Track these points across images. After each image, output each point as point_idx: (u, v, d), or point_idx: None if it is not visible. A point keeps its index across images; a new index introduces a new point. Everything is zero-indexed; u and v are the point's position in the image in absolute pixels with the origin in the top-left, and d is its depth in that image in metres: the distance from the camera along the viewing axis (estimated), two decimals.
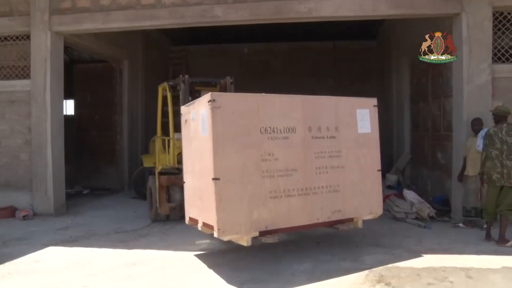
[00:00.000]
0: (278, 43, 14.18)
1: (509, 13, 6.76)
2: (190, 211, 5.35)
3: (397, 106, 11.30)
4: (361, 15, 7.29)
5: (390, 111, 11.79)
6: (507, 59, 6.80)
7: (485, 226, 6.03)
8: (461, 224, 6.60)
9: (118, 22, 7.82)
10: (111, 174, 11.37)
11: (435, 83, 8.39)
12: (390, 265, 4.79)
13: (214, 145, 4.43)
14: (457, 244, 5.65)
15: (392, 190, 8.62)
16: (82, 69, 12.00)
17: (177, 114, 7.27)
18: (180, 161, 7.12)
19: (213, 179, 4.42)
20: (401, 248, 5.53)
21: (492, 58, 6.75)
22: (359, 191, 5.44)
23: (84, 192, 10.71)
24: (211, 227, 4.60)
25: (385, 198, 7.92)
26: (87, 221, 7.47)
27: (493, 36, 6.75)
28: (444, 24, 7.33)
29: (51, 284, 4.47)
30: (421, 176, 9.50)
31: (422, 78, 9.29)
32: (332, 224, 5.31)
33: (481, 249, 5.38)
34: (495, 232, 5.76)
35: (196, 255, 5.39)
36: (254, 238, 4.65)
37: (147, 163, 9.17)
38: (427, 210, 6.95)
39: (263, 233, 4.67)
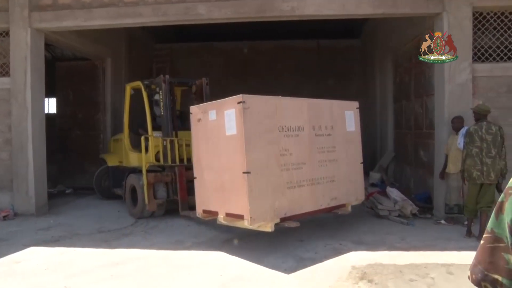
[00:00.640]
0: (263, 41, 14.17)
1: (488, 13, 6.87)
2: (205, 204, 5.78)
3: (381, 105, 11.40)
4: (344, 13, 7.32)
5: (374, 110, 11.89)
6: (487, 59, 6.91)
7: (466, 222, 6.13)
8: (443, 221, 6.70)
9: (100, 20, 7.71)
10: (94, 173, 11.24)
11: (417, 82, 8.48)
12: (373, 262, 4.83)
13: (246, 142, 4.95)
14: (439, 241, 5.73)
15: (375, 187, 8.69)
16: (64, 67, 11.82)
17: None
18: (158, 159, 7.18)
19: (244, 172, 4.93)
20: (384, 245, 5.59)
21: (473, 58, 6.85)
22: (349, 180, 6.37)
23: (67, 192, 10.56)
24: (237, 216, 5.12)
25: (369, 195, 7.99)
26: (70, 221, 7.36)
27: (473, 36, 6.86)
28: (426, 23, 7.42)
29: (32, 285, 4.39)
30: (404, 173, 9.61)
31: (405, 77, 9.38)
32: (330, 209, 6.11)
33: (462, 246, 5.46)
34: (475, 228, 5.86)
35: (180, 254, 5.36)
36: (276, 225, 5.16)
37: (111, 162, 9.10)
38: (410, 207, 7.03)
39: (282, 219, 5.26)
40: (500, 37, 6.89)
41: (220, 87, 13.59)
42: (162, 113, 7.44)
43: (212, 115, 5.52)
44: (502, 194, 1.07)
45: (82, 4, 7.70)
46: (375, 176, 9.44)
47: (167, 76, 7.49)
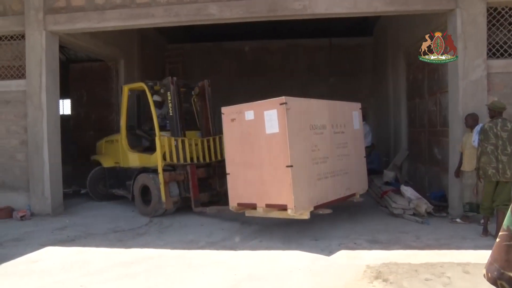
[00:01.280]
0: (274, 40, 14.16)
1: (503, 9, 6.76)
2: (240, 198, 6.24)
3: (394, 103, 11.30)
4: (356, 11, 7.28)
5: (387, 108, 11.79)
6: (502, 55, 6.81)
7: (482, 221, 6.05)
8: (458, 220, 6.62)
9: (113, 21, 7.79)
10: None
11: (431, 79, 8.40)
12: (388, 261, 4.79)
13: (289, 138, 5.52)
14: (455, 240, 5.67)
15: (389, 186, 8.62)
16: (78, 69, 11.96)
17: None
18: (165, 159, 7.45)
19: (287, 166, 5.50)
20: (399, 244, 5.54)
21: (487, 54, 6.75)
22: (356, 172, 7.11)
23: (81, 192, 10.66)
24: (279, 206, 5.71)
25: (383, 194, 7.94)
26: (85, 221, 7.45)
27: (487, 32, 6.76)
28: (439, 20, 7.34)
29: (48, 284, 4.45)
30: (419, 172, 9.52)
31: (418, 75, 9.29)
32: (345, 199, 6.80)
33: (479, 244, 5.39)
34: (492, 227, 5.77)
35: (194, 254, 5.39)
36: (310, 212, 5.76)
37: (106, 163, 9.15)
38: (424, 206, 6.96)
39: (316, 207, 5.90)
40: None
41: (232, 86, 13.75)
42: (171, 114, 7.72)
43: (249, 115, 6.02)
44: None
45: (95, 6, 7.78)
46: (389, 174, 9.35)
47: (174, 78, 7.82)
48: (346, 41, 14.19)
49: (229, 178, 6.39)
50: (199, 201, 7.57)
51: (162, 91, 7.94)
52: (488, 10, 6.75)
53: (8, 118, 8.14)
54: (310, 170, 5.89)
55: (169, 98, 7.70)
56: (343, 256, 5.09)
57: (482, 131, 5.78)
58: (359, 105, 7.49)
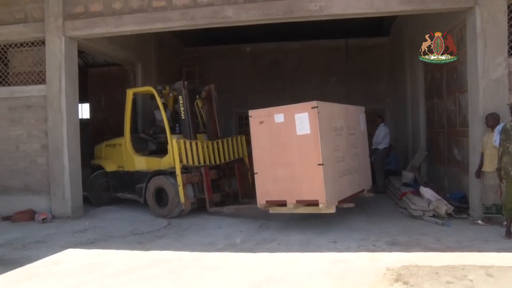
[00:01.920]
0: (290, 42, 14.12)
1: None
2: (269, 195, 6.52)
3: (412, 103, 11.16)
4: (372, 11, 7.21)
5: (405, 108, 11.66)
6: None
7: (505, 223, 5.92)
8: (479, 221, 6.50)
9: (130, 26, 7.89)
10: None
11: (449, 78, 8.27)
12: (408, 264, 4.73)
13: (320, 139, 5.99)
14: (476, 242, 5.57)
15: (408, 187, 8.51)
16: (96, 73, 12.14)
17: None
18: (180, 161, 7.59)
19: (319, 164, 5.96)
20: (419, 246, 5.47)
21: (508, 52, 6.63)
22: (364, 170, 7.73)
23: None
24: (310, 202, 6.13)
25: (402, 195, 7.85)
26: (104, 224, 7.55)
27: (508, 29, 6.63)
28: (457, 18, 7.23)
29: (69, 286, 4.52)
30: (438, 173, 9.38)
31: (436, 74, 9.17)
32: (356, 194, 7.25)
33: (502, 247, 5.29)
34: None
35: (212, 256, 5.41)
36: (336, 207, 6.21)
37: (109, 167, 9.15)
38: (444, 207, 6.85)
39: (339, 202, 6.37)
40: None
41: (248, 87, 13.75)
42: (183, 117, 7.96)
43: (279, 118, 6.38)
44: None
45: (113, 11, 7.89)
46: (408, 175, 9.23)
47: (186, 82, 8.06)
48: (363, 42, 14.06)
49: (257, 177, 6.64)
50: (213, 202, 7.85)
51: (171, 95, 8.20)
52: (508, 7, 6.62)
53: (29, 122, 8.29)
54: (334, 168, 6.37)
55: (181, 102, 7.93)
56: (363, 258, 5.04)
57: (504, 131, 5.67)
58: (363, 108, 8.17)
